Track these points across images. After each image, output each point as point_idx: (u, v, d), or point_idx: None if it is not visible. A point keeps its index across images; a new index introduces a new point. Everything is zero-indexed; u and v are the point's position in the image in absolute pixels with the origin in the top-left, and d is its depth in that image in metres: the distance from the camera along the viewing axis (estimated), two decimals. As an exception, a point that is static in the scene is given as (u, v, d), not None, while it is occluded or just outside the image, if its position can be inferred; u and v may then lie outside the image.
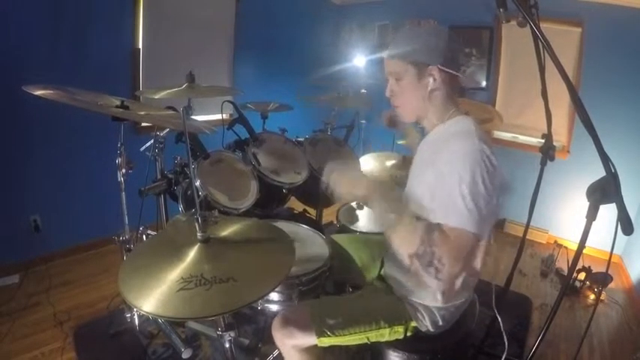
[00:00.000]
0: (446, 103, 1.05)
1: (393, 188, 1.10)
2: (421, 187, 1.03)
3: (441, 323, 1.09)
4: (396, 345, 1.10)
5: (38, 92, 1.18)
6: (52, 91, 1.22)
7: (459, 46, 1.04)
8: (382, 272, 1.25)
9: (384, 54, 1.04)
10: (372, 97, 2.45)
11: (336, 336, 1.06)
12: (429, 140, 1.10)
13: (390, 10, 3.84)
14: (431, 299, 1.07)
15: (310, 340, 1.06)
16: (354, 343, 1.09)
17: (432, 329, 1.09)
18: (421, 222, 0.92)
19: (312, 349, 1.09)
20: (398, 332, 1.09)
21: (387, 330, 1.08)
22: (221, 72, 3.28)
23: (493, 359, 1.76)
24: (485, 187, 0.87)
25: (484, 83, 3.48)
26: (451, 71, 0.99)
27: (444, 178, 0.92)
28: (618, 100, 2.85)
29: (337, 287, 1.42)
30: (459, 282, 1.00)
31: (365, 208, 1.98)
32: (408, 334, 1.10)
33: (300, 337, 1.07)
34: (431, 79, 1.00)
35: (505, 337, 1.10)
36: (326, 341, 1.06)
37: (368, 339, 1.08)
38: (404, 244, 0.92)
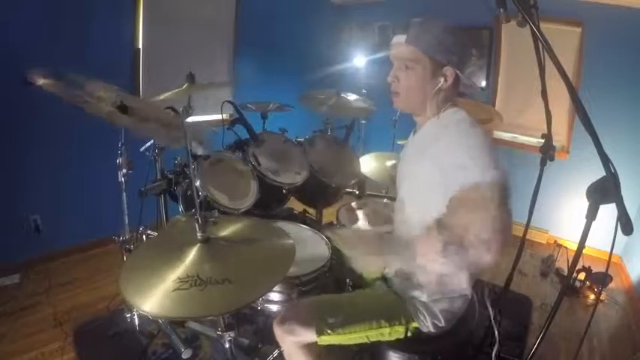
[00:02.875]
0: (445, 101, 1.05)
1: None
2: (417, 178, 1.04)
3: (442, 324, 1.09)
4: (396, 345, 1.10)
5: (42, 82, 1.17)
6: (52, 81, 1.21)
7: (470, 49, 1.04)
8: (384, 270, 1.25)
9: (402, 37, 0.99)
10: (373, 105, 2.45)
11: (336, 334, 1.06)
12: (421, 133, 1.11)
13: (390, 10, 3.84)
14: (436, 294, 1.07)
15: (311, 336, 1.06)
16: (354, 342, 1.09)
17: (432, 330, 1.09)
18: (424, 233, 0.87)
19: (312, 346, 1.09)
20: (398, 332, 1.09)
21: (387, 329, 1.08)
22: (221, 72, 3.28)
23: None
24: (487, 144, 0.91)
25: (484, 83, 3.47)
26: (462, 76, 0.99)
27: (446, 161, 0.92)
28: (618, 100, 2.85)
29: (338, 285, 1.42)
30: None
31: (365, 208, 1.98)
32: (409, 334, 1.09)
33: (301, 334, 1.08)
34: (442, 79, 0.99)
35: (496, 330, 1.11)
36: (326, 339, 1.06)
37: (368, 338, 1.08)
38: (427, 256, 0.82)
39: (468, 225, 0.79)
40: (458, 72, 0.98)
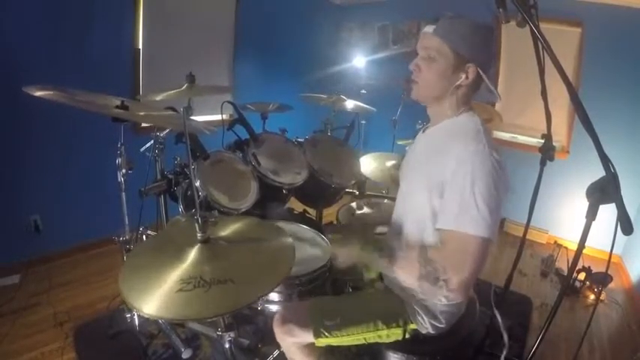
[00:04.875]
0: (463, 100, 1.03)
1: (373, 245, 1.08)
2: (422, 180, 1.02)
3: (441, 325, 1.08)
4: (395, 347, 1.10)
5: (38, 93, 1.17)
6: (51, 92, 1.22)
7: (495, 52, 1.04)
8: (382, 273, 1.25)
9: (430, 28, 0.98)
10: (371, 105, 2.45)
11: (333, 337, 1.06)
12: (435, 132, 1.09)
13: (390, 10, 3.84)
14: (433, 299, 1.07)
15: (309, 338, 1.07)
16: (351, 343, 1.09)
17: (432, 331, 1.08)
18: (414, 249, 0.97)
19: (312, 347, 1.10)
20: (396, 334, 1.09)
21: (385, 331, 1.08)
22: (221, 72, 3.28)
23: (493, 359, 1.76)
24: (498, 192, 0.88)
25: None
26: (485, 77, 0.98)
27: (453, 182, 0.91)
28: (618, 100, 2.85)
29: (337, 287, 1.42)
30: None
31: (365, 208, 1.98)
32: (407, 335, 1.09)
33: (299, 335, 1.08)
34: (464, 76, 0.97)
35: (505, 335, 1.10)
36: (323, 341, 1.07)
37: (365, 340, 1.08)
38: (407, 274, 0.98)
39: (447, 264, 0.88)
40: (481, 72, 0.97)
